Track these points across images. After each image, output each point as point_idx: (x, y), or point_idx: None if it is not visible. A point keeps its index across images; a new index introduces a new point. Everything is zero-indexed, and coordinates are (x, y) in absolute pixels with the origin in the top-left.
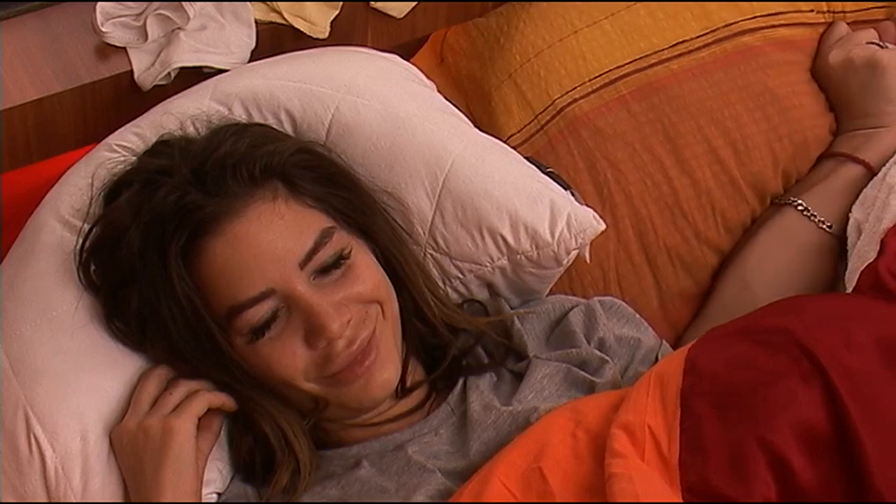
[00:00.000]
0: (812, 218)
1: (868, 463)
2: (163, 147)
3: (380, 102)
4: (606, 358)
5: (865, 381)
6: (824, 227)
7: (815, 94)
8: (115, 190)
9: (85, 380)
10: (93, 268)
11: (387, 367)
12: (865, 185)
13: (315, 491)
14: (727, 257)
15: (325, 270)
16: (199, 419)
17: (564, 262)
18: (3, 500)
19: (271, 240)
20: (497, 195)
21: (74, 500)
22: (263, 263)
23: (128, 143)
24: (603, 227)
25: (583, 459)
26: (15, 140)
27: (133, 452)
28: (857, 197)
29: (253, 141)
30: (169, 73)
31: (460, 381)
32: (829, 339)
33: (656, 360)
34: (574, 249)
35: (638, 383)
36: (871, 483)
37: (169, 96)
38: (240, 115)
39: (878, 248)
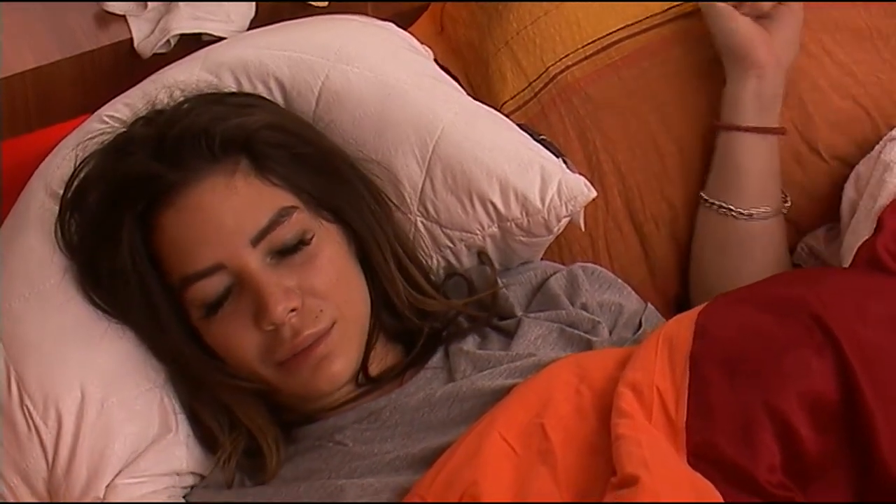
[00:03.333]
0: (720, 211)
1: (877, 437)
2: (140, 118)
3: (370, 70)
4: (597, 319)
5: (879, 355)
6: (733, 214)
7: (814, 57)
8: (91, 160)
9: (73, 353)
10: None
11: (337, 360)
12: (739, 146)
13: (296, 462)
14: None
15: (283, 252)
16: None
17: (555, 229)
18: (6, 479)
19: (223, 214)
20: (487, 161)
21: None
22: (213, 237)
23: (118, 113)
24: (594, 194)
25: (586, 417)
26: (15, 108)
27: None
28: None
29: (220, 113)
30: (168, 41)
31: (440, 350)
32: (845, 312)
33: (640, 324)
34: (565, 217)
35: (645, 342)
36: (880, 457)
37: (169, 64)
38: (229, 85)
39: (873, 225)
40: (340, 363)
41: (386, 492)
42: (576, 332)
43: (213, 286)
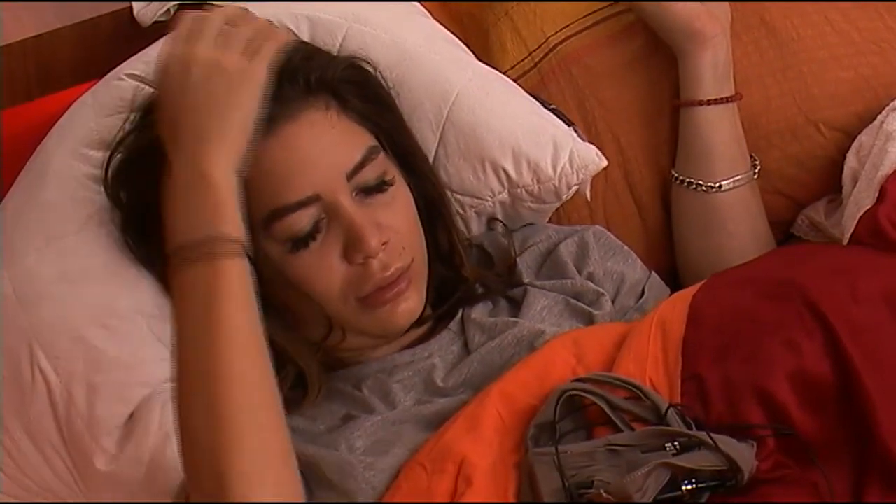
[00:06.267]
0: (693, 187)
1: (875, 414)
2: None
3: (386, 32)
4: (602, 290)
5: (872, 333)
6: (703, 189)
7: (815, 26)
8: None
9: (87, 303)
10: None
11: (414, 296)
12: (703, 121)
13: (324, 406)
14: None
15: (367, 191)
16: None
17: (564, 196)
18: (10, 428)
19: (322, 147)
20: (500, 128)
21: (81, 424)
22: (312, 169)
23: (137, 71)
24: (605, 163)
25: None
26: (14, 77)
27: (203, 85)
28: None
29: (305, 53)
30: (168, 10)
31: (459, 312)
32: (835, 291)
33: (643, 292)
34: (575, 185)
35: (639, 327)
36: (878, 434)
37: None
38: None
39: (875, 194)
40: (416, 299)
41: (397, 445)
42: (579, 304)
43: (305, 218)
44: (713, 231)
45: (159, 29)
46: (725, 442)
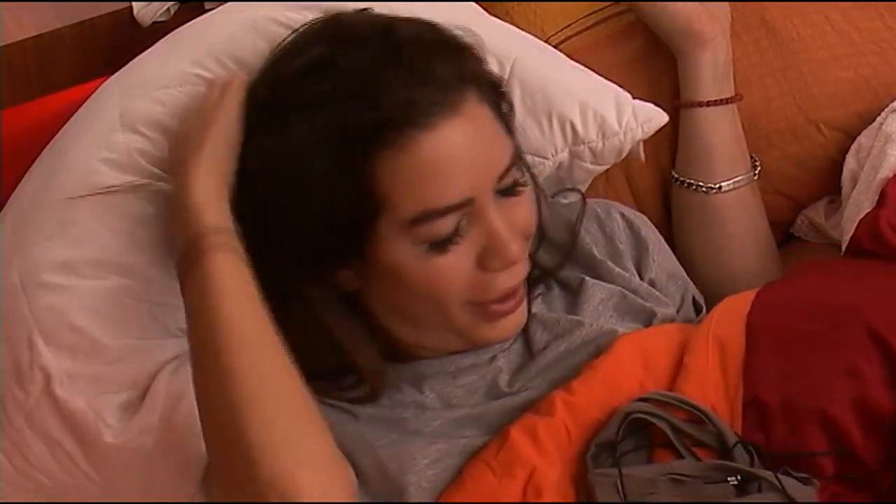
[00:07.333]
0: (693, 188)
1: None
2: (358, 40)
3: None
4: (664, 299)
5: None
6: (703, 190)
7: (815, 26)
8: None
9: (90, 291)
10: None
11: (523, 309)
12: (703, 122)
13: (382, 403)
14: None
15: (504, 192)
16: None
17: (624, 153)
18: (13, 419)
19: (482, 144)
20: (566, 83)
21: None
22: (471, 170)
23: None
24: (666, 118)
25: None
26: (14, 76)
27: (187, 124)
28: (698, 140)
29: (458, 41)
30: (168, 9)
31: None
32: (893, 316)
33: (694, 302)
34: (640, 139)
35: (695, 343)
36: None
37: (169, 32)
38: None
39: (875, 197)
40: (524, 312)
41: (454, 455)
42: (638, 300)
43: (450, 222)
44: (713, 232)
45: (159, 29)
46: (790, 484)
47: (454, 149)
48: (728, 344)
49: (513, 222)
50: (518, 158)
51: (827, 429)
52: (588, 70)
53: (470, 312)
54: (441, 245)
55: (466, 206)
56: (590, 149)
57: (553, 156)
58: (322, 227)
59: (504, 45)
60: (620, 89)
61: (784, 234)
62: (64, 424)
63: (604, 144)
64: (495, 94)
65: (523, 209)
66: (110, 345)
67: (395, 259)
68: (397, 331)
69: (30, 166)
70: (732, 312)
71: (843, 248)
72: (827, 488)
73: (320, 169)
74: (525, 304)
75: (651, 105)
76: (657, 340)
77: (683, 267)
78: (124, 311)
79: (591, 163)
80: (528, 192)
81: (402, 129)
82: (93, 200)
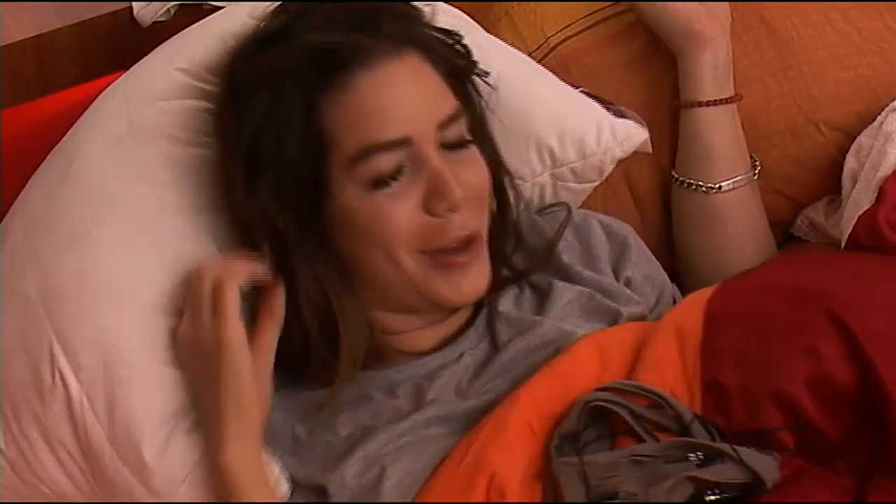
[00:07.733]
0: (693, 188)
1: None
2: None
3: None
4: (638, 300)
5: (891, 339)
6: (703, 189)
7: (815, 26)
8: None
9: (108, 303)
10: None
11: (483, 270)
12: (703, 122)
13: (350, 411)
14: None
15: (450, 146)
16: (258, 305)
17: (606, 172)
18: (26, 430)
19: (422, 90)
20: (544, 106)
21: (101, 430)
22: (409, 110)
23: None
24: (646, 133)
25: None
26: (14, 76)
27: (193, 366)
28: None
29: (408, 9)
30: (168, 10)
31: (483, 309)
32: (853, 297)
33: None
34: (619, 158)
35: (655, 332)
36: None
37: (168, 33)
38: None
39: (874, 195)
40: (483, 273)
41: (425, 455)
42: (605, 301)
43: (390, 160)
44: (713, 231)
45: (159, 29)
46: (749, 454)
47: (392, 87)
48: (686, 329)
49: (460, 178)
50: (462, 116)
51: (782, 405)
52: (566, 86)
53: (423, 263)
54: (382, 181)
55: (405, 144)
56: (570, 169)
57: (531, 178)
58: (290, 172)
59: (485, 59)
60: (601, 107)
61: (784, 234)
62: (78, 446)
63: (583, 165)
64: (448, 67)
65: (471, 168)
66: (130, 358)
67: (344, 202)
68: (371, 314)
69: (30, 166)
70: (693, 301)
71: (843, 245)
72: (790, 462)
73: (276, 111)
74: (485, 270)
75: (631, 122)
76: (616, 336)
77: (683, 267)
78: (141, 323)
79: (575, 182)
80: (476, 154)
81: (344, 68)
82: (102, 209)
